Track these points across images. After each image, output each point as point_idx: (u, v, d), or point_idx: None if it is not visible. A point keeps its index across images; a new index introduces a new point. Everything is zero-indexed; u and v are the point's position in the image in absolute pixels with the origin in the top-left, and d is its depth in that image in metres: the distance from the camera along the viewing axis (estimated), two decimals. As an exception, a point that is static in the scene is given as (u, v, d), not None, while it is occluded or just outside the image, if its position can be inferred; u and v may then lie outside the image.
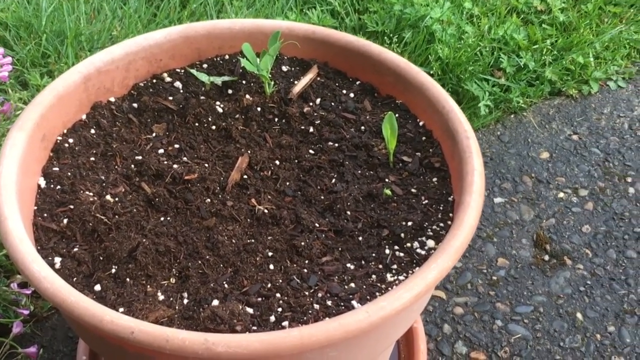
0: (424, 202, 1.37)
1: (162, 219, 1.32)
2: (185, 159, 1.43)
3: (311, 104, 1.53)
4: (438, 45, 2.11)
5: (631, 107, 2.27)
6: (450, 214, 1.34)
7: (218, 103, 1.52)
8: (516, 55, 2.24)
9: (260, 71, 1.48)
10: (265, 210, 1.34)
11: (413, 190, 1.38)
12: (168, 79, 1.55)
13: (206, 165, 1.42)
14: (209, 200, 1.35)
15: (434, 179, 1.40)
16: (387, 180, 1.40)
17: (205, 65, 1.57)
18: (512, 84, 2.18)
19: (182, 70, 1.57)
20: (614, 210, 2.02)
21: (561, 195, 2.04)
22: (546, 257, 1.91)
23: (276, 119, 1.50)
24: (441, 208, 1.35)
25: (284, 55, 1.59)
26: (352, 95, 1.55)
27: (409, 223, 1.32)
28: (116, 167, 1.40)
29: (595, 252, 1.93)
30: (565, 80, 2.25)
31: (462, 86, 2.12)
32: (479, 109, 2.07)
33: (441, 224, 1.33)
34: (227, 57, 1.58)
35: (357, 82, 1.57)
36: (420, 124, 1.49)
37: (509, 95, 2.16)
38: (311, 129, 1.48)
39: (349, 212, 1.34)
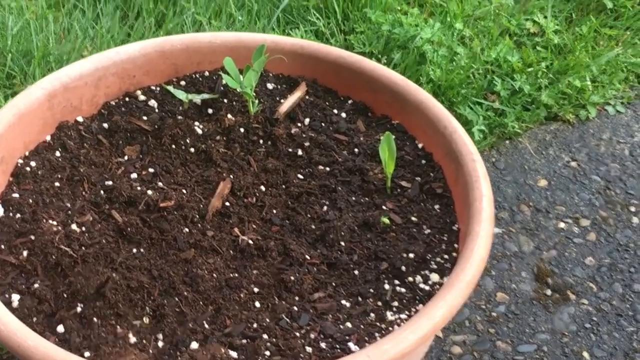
0: (425, 232, 1.23)
1: (134, 250, 1.18)
2: (160, 184, 1.29)
3: (299, 124, 1.40)
4: (429, 66, 2.00)
5: (631, 133, 2.16)
6: (456, 245, 1.21)
7: (197, 123, 1.38)
8: (510, 78, 2.12)
9: (243, 88, 1.35)
10: (250, 241, 1.20)
11: (413, 218, 1.25)
12: (142, 97, 1.42)
13: (184, 191, 1.28)
14: (187, 229, 1.21)
15: (436, 206, 1.27)
16: (384, 207, 1.27)
17: (183, 83, 1.44)
18: (507, 108, 2.07)
19: (158, 88, 1.43)
20: (618, 241, 1.90)
21: (562, 225, 1.92)
22: (548, 292, 1.78)
23: (261, 141, 1.37)
24: (445, 238, 1.22)
25: (269, 71, 1.46)
26: (344, 115, 1.42)
27: (410, 255, 1.19)
28: (83, 193, 1.26)
29: (600, 286, 1.80)
30: (561, 104, 2.14)
31: (455, 110, 2.00)
32: (473, 134, 1.96)
33: (446, 256, 1.19)
34: (207, 73, 1.45)
35: (350, 101, 1.44)
36: (420, 146, 1.36)
37: (504, 120, 2.05)
38: (300, 152, 1.35)
39: (343, 243, 1.21)
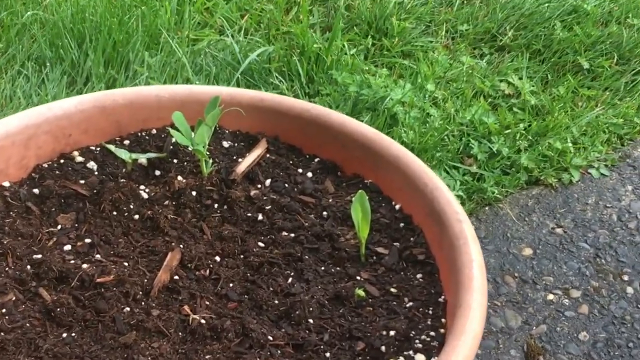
0: (407, 305, 1.06)
1: (64, 335, 1.00)
2: (98, 256, 1.11)
3: (259, 186, 1.23)
4: (402, 128, 1.85)
5: (618, 197, 2.02)
6: (443, 320, 1.03)
7: (142, 187, 1.21)
8: (487, 140, 1.98)
9: (195, 146, 1.18)
10: (203, 321, 1.02)
11: (393, 289, 1.08)
12: (79, 159, 1.24)
13: (125, 264, 1.10)
14: (128, 309, 1.03)
15: (419, 275, 1.10)
16: (358, 278, 1.10)
17: (127, 142, 1.27)
18: (485, 172, 1.92)
19: (98, 148, 1.26)
20: (612, 313, 1.73)
21: (551, 297, 1.76)
22: (541, 372, 1.60)
23: (216, 205, 1.20)
24: (430, 312, 1.05)
25: (224, 128, 1.30)
26: (310, 174, 1.25)
27: (391, 332, 1.01)
28: (7, 269, 1.08)
29: (597, 363, 1.63)
30: (542, 167, 2.00)
31: (431, 174, 1.84)
32: (452, 200, 1.79)
33: (432, 333, 1.02)
34: (154, 131, 1.29)
35: (316, 159, 1.28)
36: (397, 207, 1.19)
37: (483, 185, 1.90)
38: (260, 217, 1.18)
39: (311, 320, 1.03)
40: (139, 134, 1.28)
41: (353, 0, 2.47)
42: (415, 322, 1.04)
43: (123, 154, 1.20)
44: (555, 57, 2.36)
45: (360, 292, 1.07)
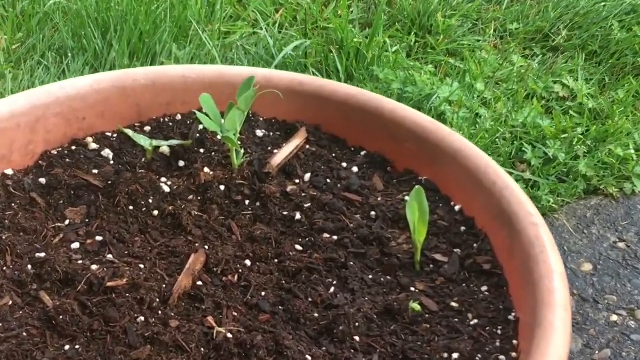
0: (471, 323, 0.90)
1: (66, 347, 0.85)
2: (110, 257, 0.96)
3: (297, 181, 1.07)
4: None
5: (685, 210, 1.83)
6: (514, 341, 0.87)
7: (164, 179, 1.06)
8: (542, 145, 1.81)
9: (225, 133, 1.03)
10: (229, 335, 0.86)
11: (453, 304, 0.92)
12: (93, 146, 1.09)
13: (141, 266, 0.94)
14: (142, 318, 0.88)
15: (484, 288, 0.94)
16: (413, 289, 0.94)
17: (147, 128, 1.12)
18: (540, 179, 1.75)
19: (115, 135, 1.11)
20: (683, 337, 1.55)
21: (614, 318, 1.58)
22: (605, 402, 1.42)
23: (247, 202, 1.04)
24: (499, 332, 0.88)
25: (259, 115, 1.15)
26: (355, 169, 1.09)
27: (453, 355, 0.85)
28: (4, 268, 0.93)
29: (669, 394, 1.45)
30: (602, 176, 1.83)
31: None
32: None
33: (502, 357, 0.85)
34: (178, 117, 1.13)
35: (363, 152, 1.12)
36: (456, 208, 1.03)
37: (537, 193, 1.73)
38: (298, 216, 1.02)
39: (357, 338, 0.87)
40: (162, 119, 1.13)
41: (394, -3, 2.31)
42: (482, 343, 0.87)
43: (142, 140, 1.05)
44: (614, 58, 2.18)
45: (416, 306, 0.91)
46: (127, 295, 0.91)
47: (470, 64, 2.04)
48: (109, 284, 0.92)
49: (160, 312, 0.90)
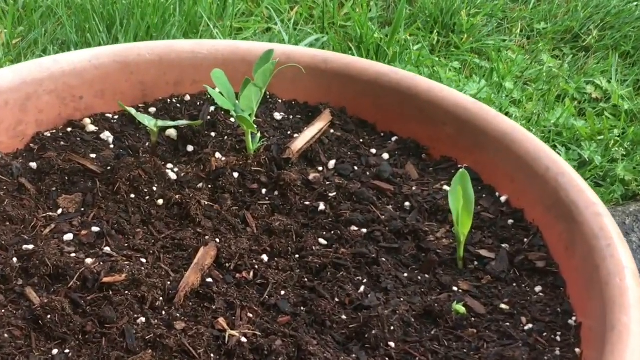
0: (525, 328, 0.77)
1: (54, 352, 0.74)
2: (107, 249, 0.84)
3: (321, 168, 0.95)
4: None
5: None
6: (577, 350, 0.74)
7: (170, 166, 0.94)
8: (576, 146, 1.69)
9: (239, 113, 0.91)
10: (243, 339, 0.74)
11: (503, 306, 0.79)
12: (91, 128, 0.97)
13: (143, 260, 0.82)
14: (143, 319, 0.76)
15: (537, 288, 0.81)
16: (455, 289, 0.81)
17: (152, 110, 1.00)
18: (575, 183, 1.61)
19: (116, 116, 0.99)
20: None
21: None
22: None
23: (264, 190, 0.92)
24: (558, 338, 0.76)
25: (277, 97, 1.03)
26: (386, 156, 0.97)
27: (507, 364, 0.72)
28: (-14, 261, 0.81)
29: None
30: (641, 181, 1.70)
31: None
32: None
33: (563, 367, 0.72)
34: (187, 98, 1.02)
35: (394, 138, 1.00)
36: (502, 199, 0.91)
37: (572, 198, 1.58)
38: (322, 206, 0.89)
39: (392, 344, 0.74)
40: (169, 100, 1.01)
41: (416, -5, 2.20)
42: (539, 351, 0.74)
43: (147, 120, 0.93)
44: (649, 59, 2.06)
45: (460, 308, 0.78)
46: (126, 292, 0.79)
47: (498, 62, 1.92)
48: (106, 279, 0.80)
49: (163, 313, 0.78)
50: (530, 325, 0.77)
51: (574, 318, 0.78)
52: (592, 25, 2.19)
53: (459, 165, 0.94)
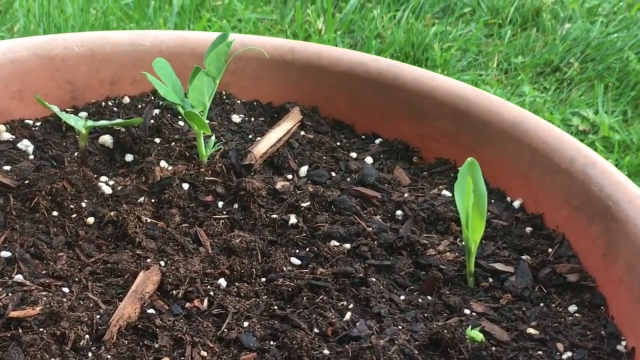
0: (563, 356, 0.59)
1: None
2: (19, 277, 0.65)
3: (290, 176, 0.77)
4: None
5: None
6: (633, 381, 0.56)
7: (104, 178, 0.76)
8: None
9: (187, 108, 0.73)
10: (195, 385, 0.55)
11: (531, 330, 0.61)
12: (7, 136, 0.80)
13: (65, 290, 0.64)
14: None
15: (571, 308, 0.64)
16: (467, 312, 0.63)
17: (83, 115, 0.82)
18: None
19: (38, 122, 0.81)
20: None
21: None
22: None
23: (220, 203, 0.74)
24: (606, 368, 0.58)
25: (234, 97, 0.85)
26: (369, 160, 0.80)
27: (547, 404, 0.54)
28: None
29: None
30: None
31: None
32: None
33: (620, 405, 0.54)
34: (126, 100, 0.84)
35: (377, 140, 0.82)
36: (516, 203, 0.73)
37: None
38: (293, 219, 0.72)
39: (392, 384, 0.56)
40: (104, 103, 0.83)
41: (384, 30, 2.06)
42: (585, 385, 0.57)
43: (73, 120, 0.75)
44: (636, 90, 1.93)
45: (476, 335, 0.60)
46: (41, 330, 0.60)
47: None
48: (13, 313, 0.61)
49: (90, 354, 0.59)
50: (570, 354, 0.60)
51: (623, 342, 0.60)
52: (573, 57, 2.07)
53: (459, 168, 0.77)
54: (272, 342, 0.61)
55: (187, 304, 0.64)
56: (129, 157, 0.79)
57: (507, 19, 2.19)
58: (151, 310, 0.63)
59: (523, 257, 0.68)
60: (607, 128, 1.77)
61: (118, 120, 0.77)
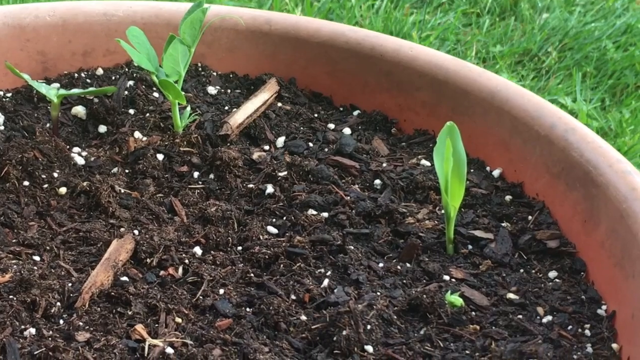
0: (543, 320, 0.58)
1: None
2: (-12, 246, 0.63)
3: (267, 147, 0.76)
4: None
5: None
6: (614, 345, 0.55)
7: (77, 150, 0.74)
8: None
9: (162, 78, 0.72)
10: (170, 349, 0.55)
11: (511, 295, 0.61)
12: (-24, 106, 0.78)
13: (36, 258, 0.63)
14: (32, 330, 0.56)
15: (551, 274, 0.63)
16: (447, 277, 0.63)
17: (56, 85, 0.80)
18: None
19: (9, 93, 0.79)
20: None
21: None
22: None
23: (196, 174, 0.73)
24: (587, 331, 0.57)
25: (210, 69, 0.84)
26: (347, 131, 0.79)
27: (527, 366, 0.53)
28: None
29: None
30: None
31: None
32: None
33: (600, 367, 0.54)
34: (99, 71, 0.82)
35: (356, 112, 0.81)
36: (495, 173, 0.73)
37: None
38: (270, 189, 0.71)
39: (370, 347, 0.55)
40: (76, 74, 0.82)
41: (363, 19, 2.05)
42: (565, 348, 0.56)
43: (44, 89, 0.73)
44: (613, 78, 1.94)
45: (456, 300, 0.59)
46: (11, 297, 0.59)
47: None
48: (-17, 281, 0.59)
49: (61, 321, 0.58)
50: (550, 317, 0.59)
51: (604, 307, 0.60)
52: (551, 46, 2.07)
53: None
54: (248, 309, 0.60)
55: (162, 272, 0.63)
56: (102, 128, 0.77)
57: (485, 8, 2.19)
58: (124, 278, 0.62)
59: (503, 224, 0.68)
60: (585, 115, 1.76)
61: (91, 89, 0.76)
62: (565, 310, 0.59)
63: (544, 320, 0.59)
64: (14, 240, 0.65)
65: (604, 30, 2.11)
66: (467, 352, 0.56)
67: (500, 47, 2.07)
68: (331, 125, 0.79)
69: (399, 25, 2.04)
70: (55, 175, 0.71)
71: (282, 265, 0.63)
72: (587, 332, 0.58)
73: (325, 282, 0.62)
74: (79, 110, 0.78)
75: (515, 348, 0.54)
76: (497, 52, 2.05)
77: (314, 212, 0.69)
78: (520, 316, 0.59)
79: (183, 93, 0.73)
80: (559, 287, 0.62)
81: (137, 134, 0.76)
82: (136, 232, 0.66)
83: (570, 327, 0.58)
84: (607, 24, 2.14)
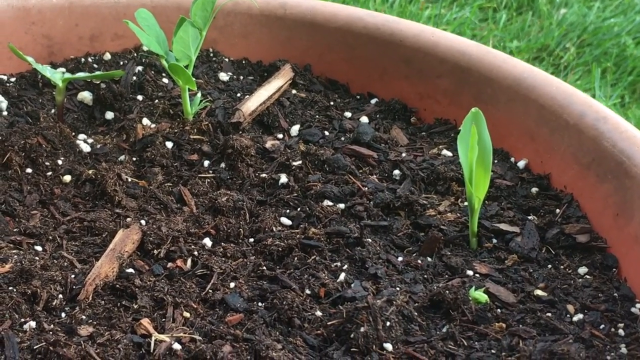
0: (574, 319, 0.55)
1: None
2: (-12, 235, 0.60)
3: (281, 135, 0.73)
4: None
5: None
6: (651, 344, 0.52)
7: (82, 136, 0.72)
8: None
9: (171, 61, 0.69)
10: (177, 346, 0.51)
11: (539, 292, 0.58)
12: (-21, 91, 0.75)
13: (38, 248, 0.59)
14: (33, 323, 0.54)
15: (581, 270, 0.60)
16: (470, 273, 0.59)
17: (62, 70, 0.77)
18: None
19: (13, 78, 0.77)
20: None
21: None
22: None
23: (206, 162, 0.70)
24: (621, 331, 0.54)
25: (222, 55, 0.81)
26: (365, 119, 0.75)
27: (559, 365, 0.50)
28: None
29: None
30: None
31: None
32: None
33: (635, 370, 0.50)
34: (107, 56, 0.79)
35: (373, 100, 0.78)
36: (520, 164, 0.69)
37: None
38: (284, 178, 0.67)
39: (389, 345, 0.52)
40: (83, 59, 0.79)
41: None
42: (598, 348, 0.52)
43: (49, 72, 0.70)
44: (634, 75, 1.90)
45: (480, 296, 0.56)
46: (10, 288, 0.56)
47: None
48: (-19, 272, 0.56)
49: (63, 315, 0.55)
50: (580, 316, 0.56)
51: (638, 305, 0.56)
52: (569, 42, 2.03)
53: (460, 128, 0.73)
54: (260, 303, 0.57)
55: (169, 264, 0.60)
56: (109, 115, 0.74)
57: (502, 3, 2.15)
58: (130, 270, 0.59)
59: (529, 217, 0.64)
60: (605, 112, 1.73)
61: (98, 73, 0.73)
62: (597, 308, 0.56)
63: (575, 318, 0.55)
64: (15, 230, 0.63)
65: (623, 26, 2.07)
66: (493, 351, 0.53)
67: (518, 43, 2.04)
68: (348, 114, 0.76)
69: (414, 19, 2.00)
70: (60, 162, 0.69)
71: (296, 258, 0.60)
72: (621, 331, 0.54)
73: (342, 276, 0.59)
74: (85, 95, 0.75)
75: (545, 348, 0.51)
76: (514, 47, 2.02)
77: (330, 203, 0.65)
78: (549, 314, 0.56)
79: (193, 79, 0.70)
80: (589, 283, 0.58)
81: (145, 121, 0.73)
82: (143, 222, 0.63)
83: (602, 326, 0.55)
84: (626, 19, 2.10)
